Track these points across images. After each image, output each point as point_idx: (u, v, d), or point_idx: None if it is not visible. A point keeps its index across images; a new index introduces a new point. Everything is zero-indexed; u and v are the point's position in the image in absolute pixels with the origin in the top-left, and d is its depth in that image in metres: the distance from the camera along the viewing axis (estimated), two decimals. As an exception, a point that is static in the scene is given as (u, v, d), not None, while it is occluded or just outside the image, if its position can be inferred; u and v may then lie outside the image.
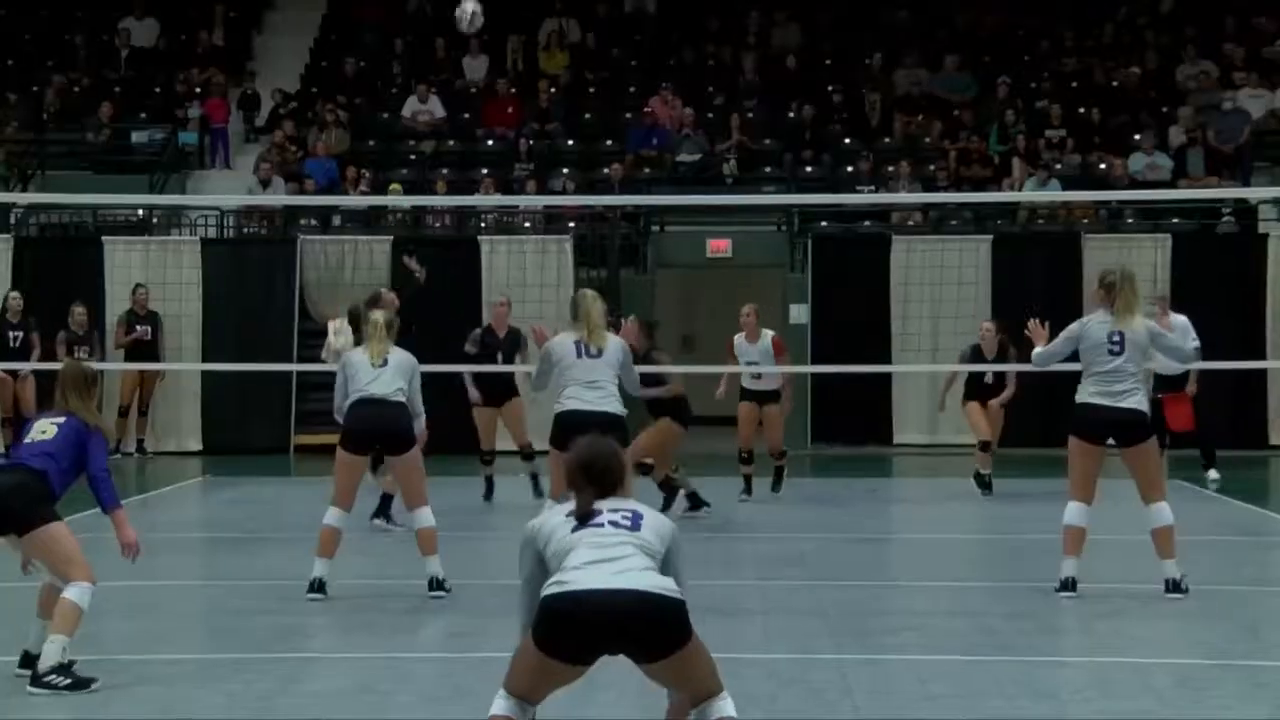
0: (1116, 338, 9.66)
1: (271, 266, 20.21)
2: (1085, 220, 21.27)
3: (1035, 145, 22.43)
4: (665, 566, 5.39)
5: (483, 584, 9.85)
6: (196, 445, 19.83)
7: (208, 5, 26.19)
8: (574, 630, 5.16)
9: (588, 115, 24.53)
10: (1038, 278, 19.46)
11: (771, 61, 25.06)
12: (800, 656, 7.98)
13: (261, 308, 19.90)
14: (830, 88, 24.26)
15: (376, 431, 9.67)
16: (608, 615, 5.13)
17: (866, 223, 21.68)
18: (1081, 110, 23.45)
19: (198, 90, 24.63)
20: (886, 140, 23.42)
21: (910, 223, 21.34)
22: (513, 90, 24.43)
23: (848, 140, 23.37)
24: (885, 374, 19.26)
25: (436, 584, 9.57)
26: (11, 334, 18.88)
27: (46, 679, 7.12)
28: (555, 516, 5.52)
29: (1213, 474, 15.94)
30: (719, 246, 21.22)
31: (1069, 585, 9.50)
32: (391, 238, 20.48)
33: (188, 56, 25.60)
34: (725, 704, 5.40)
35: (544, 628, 5.19)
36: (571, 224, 21.29)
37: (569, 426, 9.03)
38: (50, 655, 7.14)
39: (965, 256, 19.74)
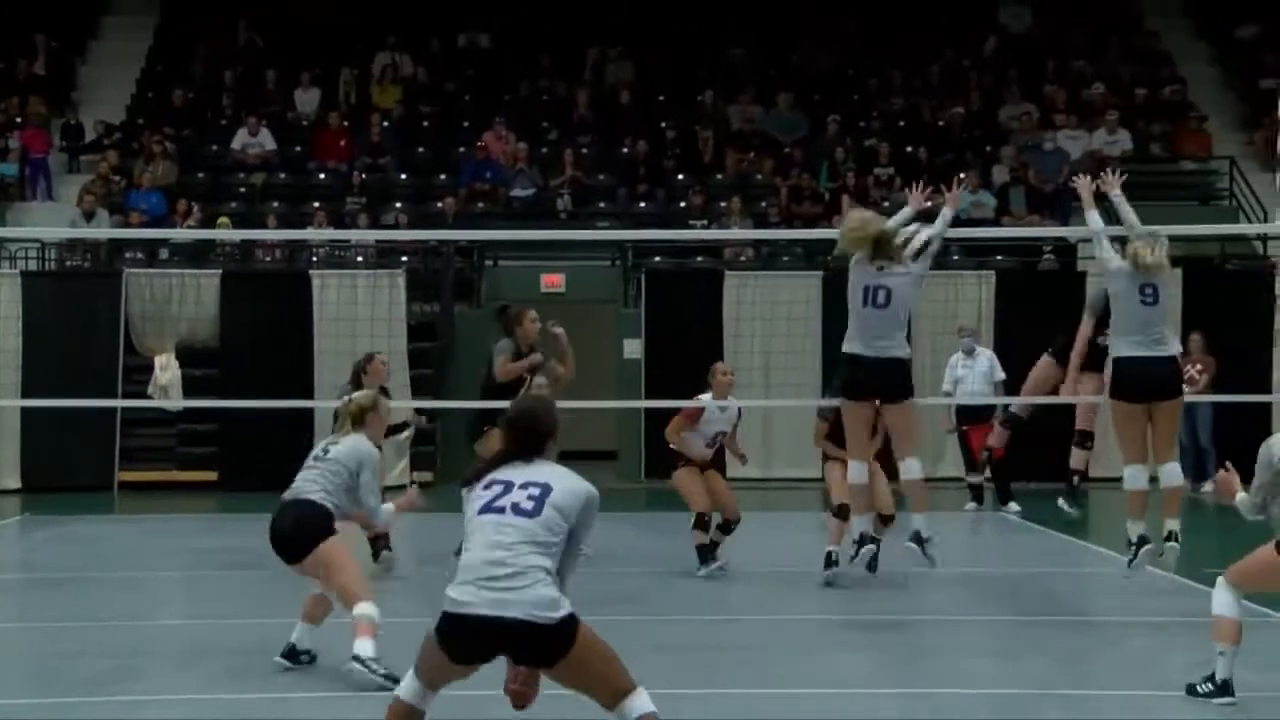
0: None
1: (95, 300, 19.77)
2: (912, 257, 21.65)
3: (864, 182, 22.85)
4: (566, 543, 5.65)
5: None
6: (15, 483, 19.29)
7: (28, 34, 25.62)
8: (461, 643, 5.60)
9: (421, 149, 24.45)
10: (866, 313, 19.77)
11: (605, 97, 25.22)
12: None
13: (85, 342, 19.45)
14: (664, 124, 24.47)
15: (275, 539, 8.42)
16: (489, 637, 5.55)
17: (699, 258, 21.88)
18: (909, 148, 23.95)
19: (18, 120, 24.08)
20: (719, 176, 23.68)
21: (742, 258, 21.58)
22: (345, 123, 24.26)
23: (680, 176, 23.60)
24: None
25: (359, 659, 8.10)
26: None
27: None
28: (479, 486, 5.76)
29: (1013, 506, 16.55)
30: (553, 281, 21.25)
31: (1145, 540, 10.14)
32: (220, 271, 20.20)
33: (7, 85, 25.00)
34: (640, 701, 5.60)
35: (439, 632, 5.61)
36: (404, 258, 21.18)
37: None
38: None
39: (796, 292, 20.01)
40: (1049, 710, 7.58)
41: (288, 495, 8.42)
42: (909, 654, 9.25)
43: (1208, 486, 18.80)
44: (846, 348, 10.39)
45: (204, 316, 19.90)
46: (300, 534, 8.24)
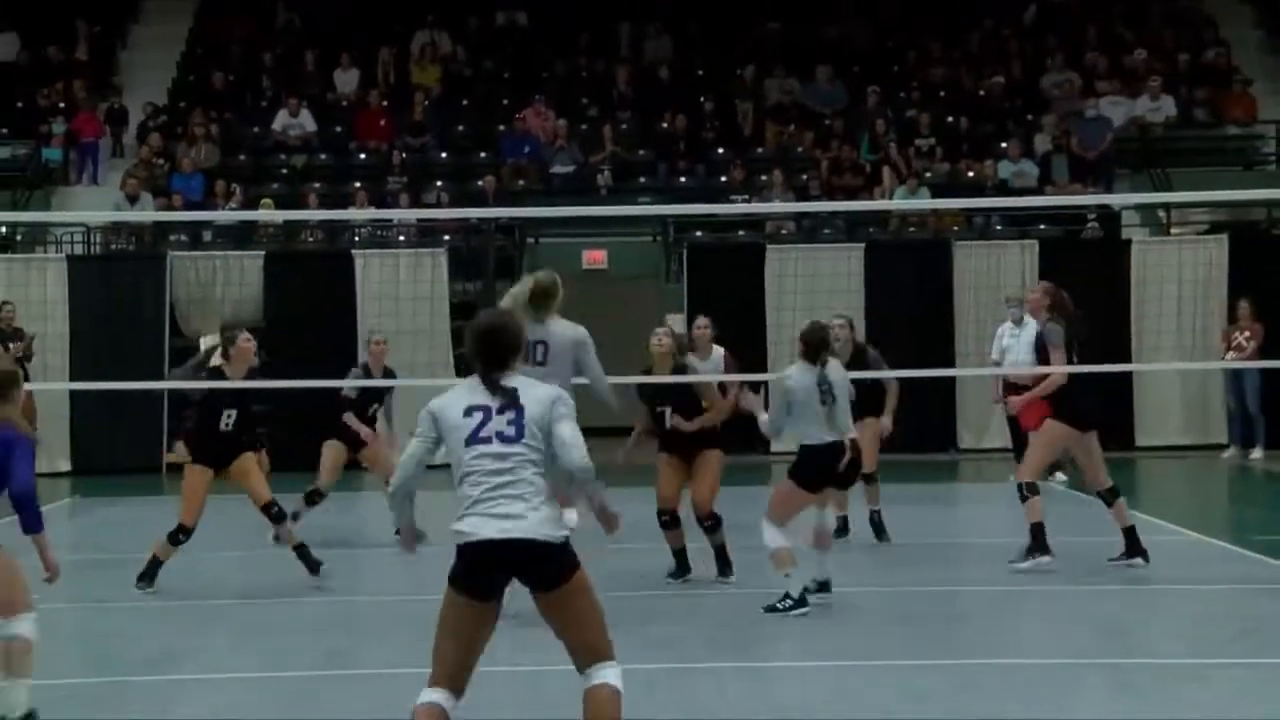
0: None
1: (140, 283, 19.93)
2: (955, 227, 21.63)
3: (905, 154, 22.77)
4: (553, 445, 5.74)
5: (364, 600, 9.82)
6: (65, 465, 19.50)
7: (69, 19, 25.79)
8: (478, 575, 5.69)
9: (461, 128, 24.50)
10: (909, 284, 19.78)
11: (644, 73, 25.20)
12: (678, 666, 8.05)
13: (131, 325, 19.61)
14: (702, 98, 24.45)
15: None
16: (502, 559, 5.66)
17: (740, 232, 21.87)
18: (949, 119, 23.85)
19: (61, 106, 24.24)
20: (759, 150, 23.64)
21: (784, 231, 21.56)
22: (385, 103, 24.34)
23: (721, 150, 23.58)
24: (760, 383, 19.39)
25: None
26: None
27: None
28: (452, 408, 5.79)
29: (1059, 475, 16.46)
30: (594, 258, 21.28)
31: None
32: (263, 253, 20.32)
33: (50, 71, 25.18)
34: (609, 671, 5.69)
35: (455, 576, 5.70)
36: (446, 237, 21.25)
37: None
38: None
39: (838, 264, 19.97)
40: (1093, 678, 7.58)
41: None
42: (951, 621, 9.27)
43: (1256, 453, 18.73)
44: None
45: (248, 298, 20.02)
46: None
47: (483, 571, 5.67)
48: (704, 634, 8.96)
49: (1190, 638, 8.44)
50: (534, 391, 5.82)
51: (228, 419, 10.93)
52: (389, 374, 13.50)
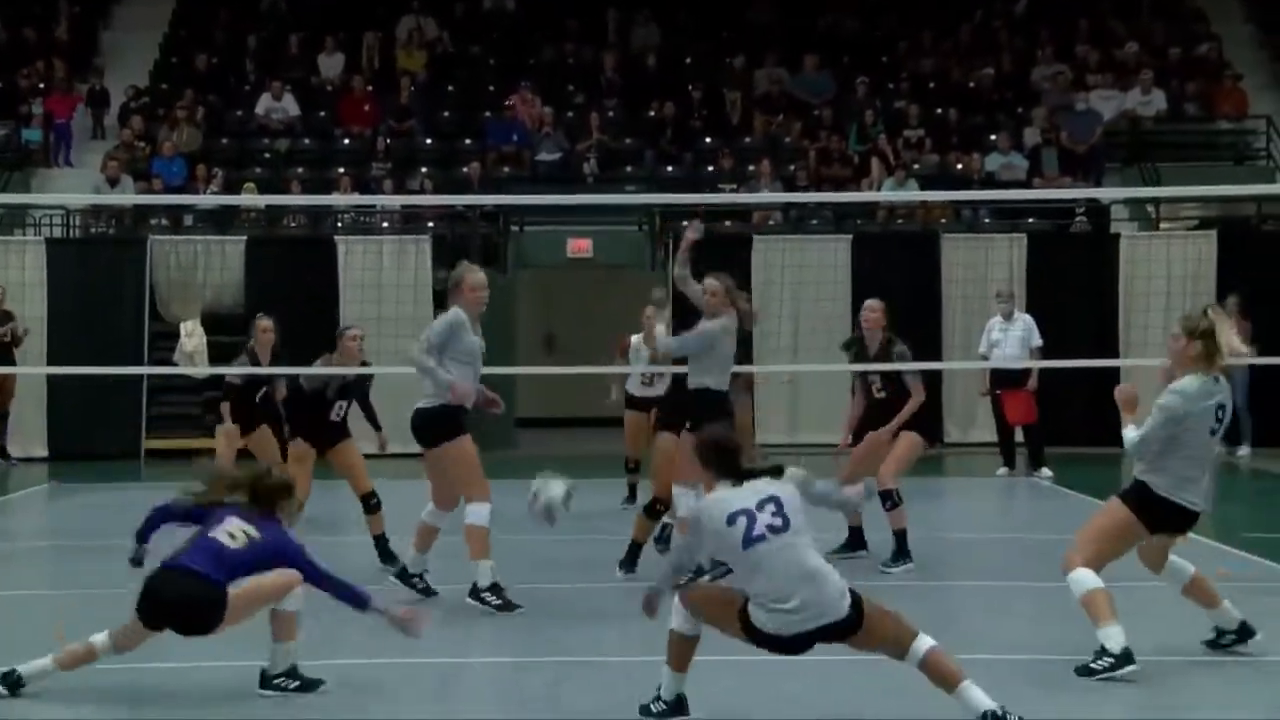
0: None
1: (120, 267, 19.91)
2: (943, 220, 21.68)
3: (894, 145, 22.81)
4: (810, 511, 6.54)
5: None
6: (42, 451, 19.48)
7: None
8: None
9: (446, 113, 24.48)
10: (897, 276, 19.76)
11: (632, 60, 25.20)
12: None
13: (110, 309, 19.60)
14: (691, 86, 24.46)
15: None
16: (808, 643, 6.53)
17: (728, 222, 21.89)
18: (939, 110, 23.89)
19: (41, 86, 24.18)
20: (747, 140, 23.66)
21: (771, 222, 21.59)
22: (369, 88, 24.32)
23: (708, 140, 23.61)
24: (745, 374, 19.44)
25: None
26: None
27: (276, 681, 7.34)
28: (714, 519, 6.42)
29: (1045, 471, 16.61)
30: (580, 246, 21.29)
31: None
32: (245, 238, 20.31)
33: (29, 51, 25.10)
34: (922, 642, 6.51)
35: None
36: (430, 224, 21.25)
37: None
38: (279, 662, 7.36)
39: (825, 256, 20.03)
40: (1075, 675, 7.62)
41: None
42: (936, 619, 9.30)
43: (1243, 450, 18.83)
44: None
45: (229, 283, 20.03)
46: None
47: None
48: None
49: (1173, 635, 8.48)
50: (785, 492, 6.54)
51: (339, 410, 11.57)
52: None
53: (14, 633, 9.11)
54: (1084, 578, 7.61)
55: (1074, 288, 19.83)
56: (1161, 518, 7.76)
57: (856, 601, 6.42)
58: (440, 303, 19.75)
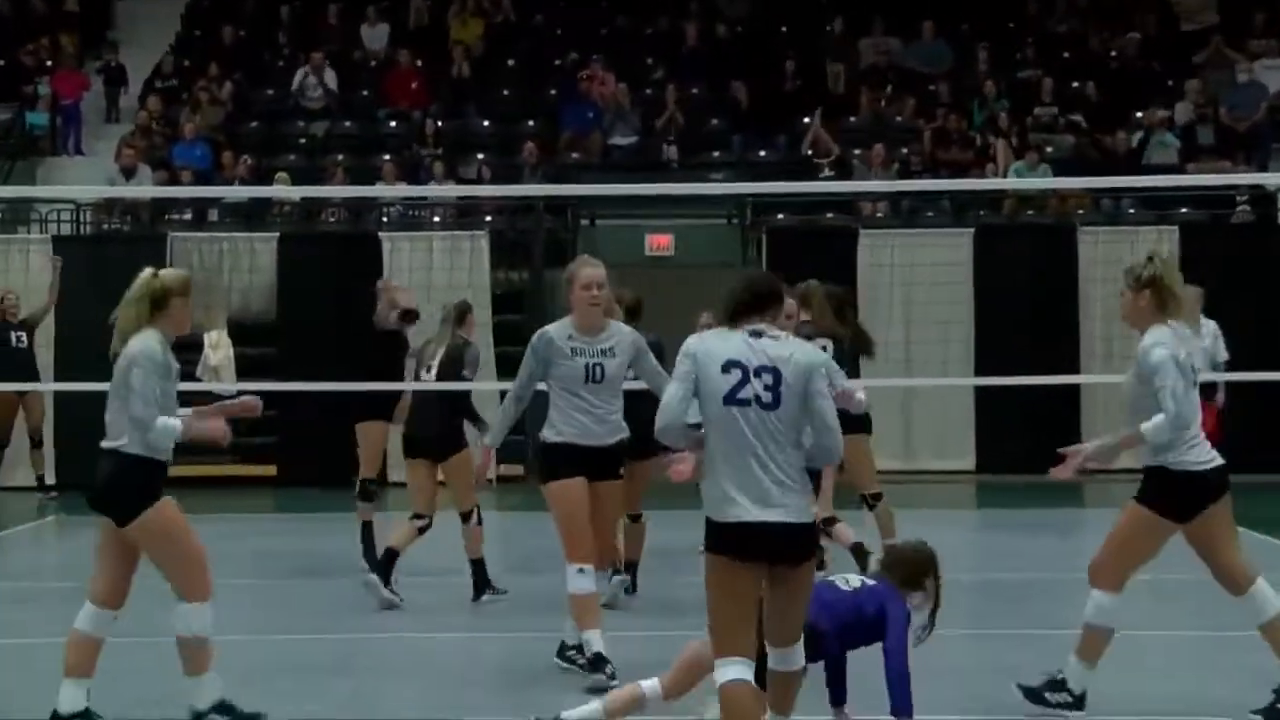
0: None
1: (136, 268, 19.89)
2: (1080, 210, 21.51)
3: (1022, 124, 22.66)
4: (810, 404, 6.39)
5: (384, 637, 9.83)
6: (40, 478, 19.56)
7: (59, -36, 26.07)
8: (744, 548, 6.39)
9: (506, 92, 24.56)
10: (1027, 275, 19.65)
11: (717, 30, 25.18)
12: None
13: (125, 317, 19.71)
14: (786, 59, 24.41)
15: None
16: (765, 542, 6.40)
17: (829, 214, 21.83)
18: (1074, 83, 23.72)
19: (48, 64, 24.45)
20: (851, 120, 23.60)
21: (879, 214, 21.50)
22: (418, 63, 24.44)
23: (806, 120, 23.52)
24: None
25: None
26: None
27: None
28: (712, 361, 6.37)
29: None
30: (659, 242, 21.30)
31: None
32: (278, 234, 20.44)
33: (35, 24, 25.40)
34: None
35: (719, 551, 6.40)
36: (488, 218, 21.31)
37: None
38: None
39: (942, 252, 19.92)
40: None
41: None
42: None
43: None
44: None
45: (259, 285, 20.15)
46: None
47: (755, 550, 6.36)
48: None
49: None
50: (792, 360, 6.41)
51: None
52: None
53: (16, 682, 9.18)
54: (1103, 605, 7.87)
55: (1234, 286, 19.54)
56: (1185, 497, 7.90)
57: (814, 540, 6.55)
58: (500, 307, 19.95)
